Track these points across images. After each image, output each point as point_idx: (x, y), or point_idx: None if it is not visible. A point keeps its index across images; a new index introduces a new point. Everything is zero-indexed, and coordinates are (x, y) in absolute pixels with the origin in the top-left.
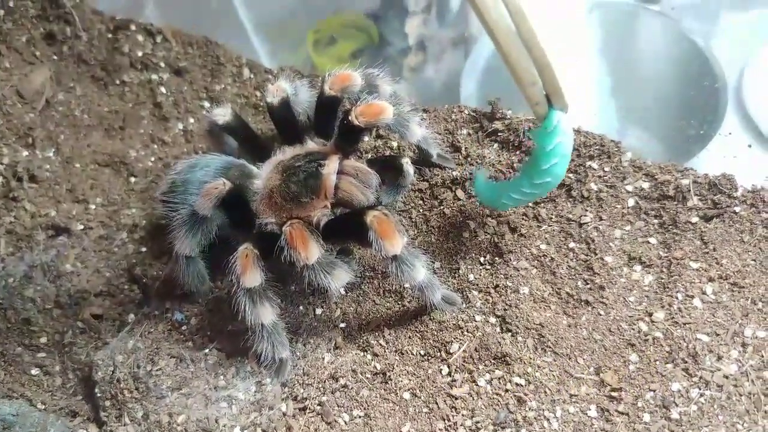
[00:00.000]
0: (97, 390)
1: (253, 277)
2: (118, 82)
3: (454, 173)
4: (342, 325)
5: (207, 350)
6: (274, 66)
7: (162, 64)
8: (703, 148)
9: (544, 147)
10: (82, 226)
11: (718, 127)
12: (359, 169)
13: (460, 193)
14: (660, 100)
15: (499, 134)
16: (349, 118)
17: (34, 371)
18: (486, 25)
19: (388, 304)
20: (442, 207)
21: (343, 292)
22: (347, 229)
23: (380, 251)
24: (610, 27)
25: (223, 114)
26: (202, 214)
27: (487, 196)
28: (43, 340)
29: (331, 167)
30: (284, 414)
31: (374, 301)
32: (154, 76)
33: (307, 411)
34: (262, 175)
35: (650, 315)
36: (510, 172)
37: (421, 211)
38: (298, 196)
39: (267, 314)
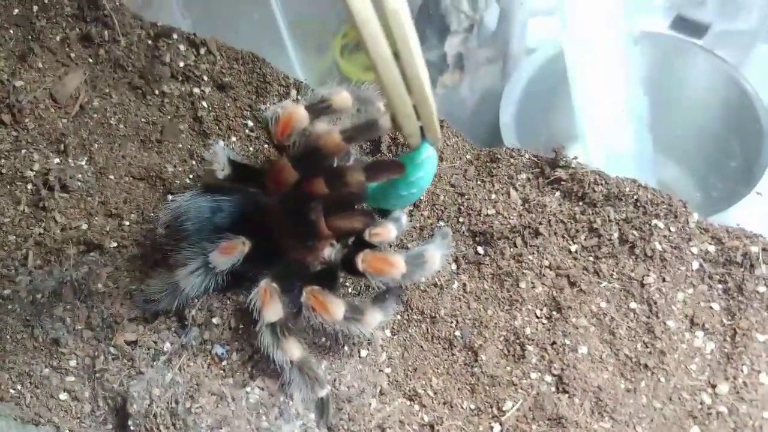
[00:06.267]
0: (130, 423)
1: (274, 310)
2: (157, 92)
3: (512, 221)
4: (387, 370)
5: (248, 388)
6: (305, 73)
7: (205, 78)
8: (739, 200)
9: (408, 176)
10: (115, 243)
11: (757, 180)
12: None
13: (518, 241)
14: (701, 142)
15: (561, 183)
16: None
17: (63, 396)
18: (368, 54)
19: (435, 350)
20: (497, 255)
21: (389, 335)
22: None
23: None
24: (655, 60)
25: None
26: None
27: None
28: (73, 363)
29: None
30: None
31: (421, 346)
32: (196, 89)
33: None
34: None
35: (713, 387)
36: (572, 223)
37: (473, 255)
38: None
39: (294, 348)
